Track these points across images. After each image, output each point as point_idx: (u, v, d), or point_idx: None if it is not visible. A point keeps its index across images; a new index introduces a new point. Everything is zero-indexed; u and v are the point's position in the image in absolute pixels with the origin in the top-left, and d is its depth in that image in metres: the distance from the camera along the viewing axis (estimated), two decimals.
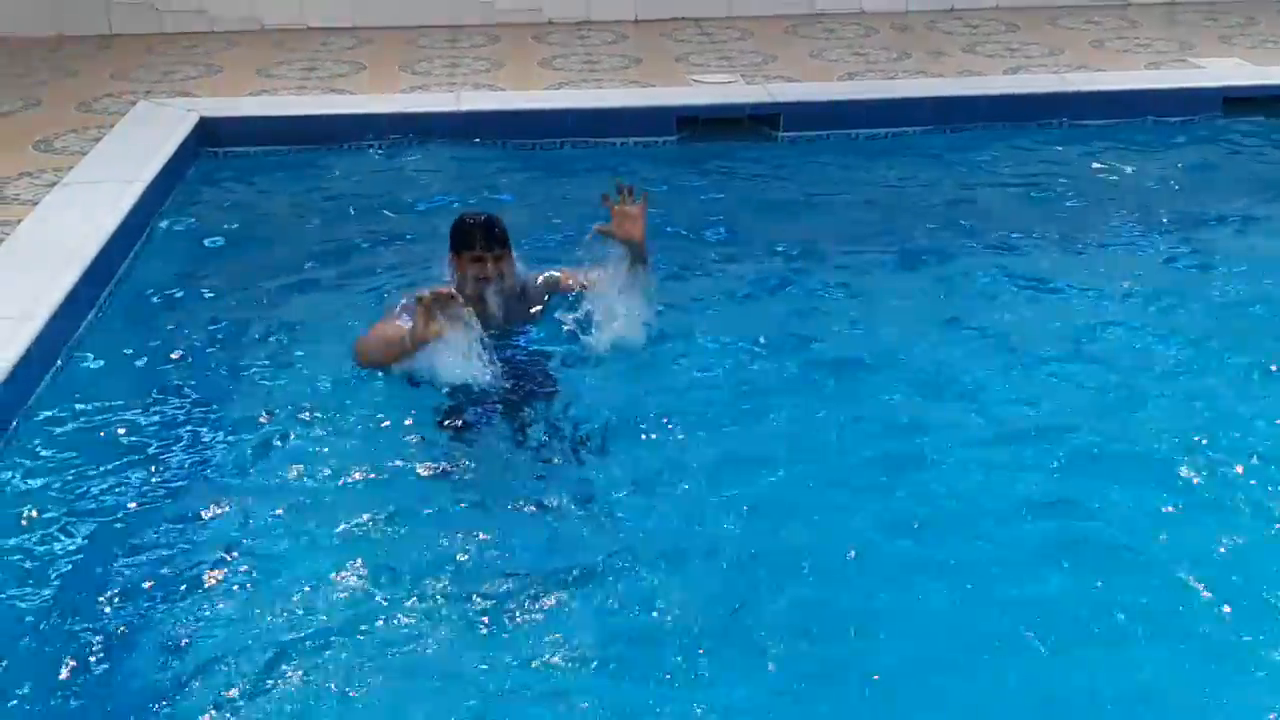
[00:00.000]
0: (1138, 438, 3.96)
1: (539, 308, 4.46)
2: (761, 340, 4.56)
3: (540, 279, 4.53)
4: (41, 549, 3.42)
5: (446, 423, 3.98)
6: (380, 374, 4.14)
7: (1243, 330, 4.66)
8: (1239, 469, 3.76)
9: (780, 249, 5.43)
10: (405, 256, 5.22)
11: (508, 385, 4.10)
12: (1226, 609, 3.19)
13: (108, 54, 8.30)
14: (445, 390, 4.06)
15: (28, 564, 3.36)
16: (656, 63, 7.95)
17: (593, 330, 4.32)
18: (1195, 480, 3.71)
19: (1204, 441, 3.90)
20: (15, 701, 2.91)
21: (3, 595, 3.25)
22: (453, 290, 3.98)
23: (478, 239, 4.20)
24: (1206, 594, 3.24)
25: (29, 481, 3.72)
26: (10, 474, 3.75)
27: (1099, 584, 3.29)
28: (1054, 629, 3.12)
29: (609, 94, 7.22)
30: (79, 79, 7.69)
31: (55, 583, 3.29)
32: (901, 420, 4.07)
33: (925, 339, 4.60)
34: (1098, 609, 3.20)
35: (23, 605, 3.22)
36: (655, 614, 3.18)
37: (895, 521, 3.55)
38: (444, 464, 3.79)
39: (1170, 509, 3.60)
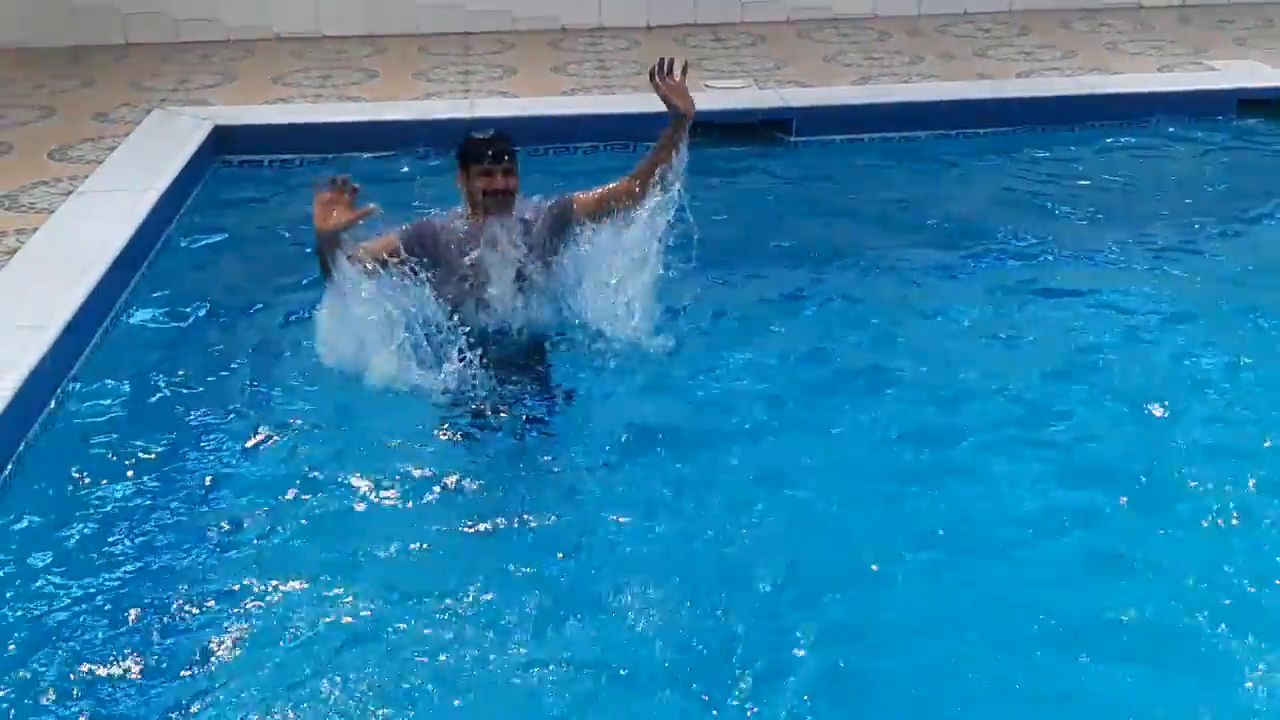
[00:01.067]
0: (1162, 445, 3.93)
1: (548, 243, 4.37)
2: (776, 348, 4.55)
3: (552, 206, 4.44)
4: (57, 559, 3.42)
5: (451, 435, 3.97)
6: (391, 385, 4.15)
7: (1259, 334, 4.64)
8: (1267, 477, 3.72)
9: (793, 254, 5.43)
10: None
11: (507, 390, 4.10)
12: (1251, 622, 3.15)
13: (123, 63, 8.35)
14: (440, 395, 4.07)
15: (42, 576, 3.36)
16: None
17: (604, 333, 4.34)
18: (1223, 490, 3.66)
19: (1230, 449, 3.87)
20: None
21: (18, 605, 3.26)
22: (348, 177, 3.99)
23: (485, 151, 4.22)
24: (1231, 607, 3.20)
25: (45, 488, 3.73)
26: (27, 480, 3.77)
27: (1124, 595, 3.25)
28: (1081, 640, 3.09)
29: (622, 100, 7.23)
30: (94, 88, 7.74)
31: (71, 595, 3.29)
32: (919, 429, 4.04)
33: (942, 345, 4.59)
34: (1123, 619, 3.16)
35: (35, 615, 3.22)
36: (673, 627, 3.16)
37: (917, 533, 3.51)
38: (451, 477, 3.77)
39: (1196, 519, 3.55)
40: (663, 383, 4.29)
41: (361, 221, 3.98)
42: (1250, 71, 7.73)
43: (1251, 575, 3.32)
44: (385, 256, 4.10)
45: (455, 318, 4.19)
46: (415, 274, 4.15)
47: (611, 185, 4.46)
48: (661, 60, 4.39)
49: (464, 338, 4.12)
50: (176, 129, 6.65)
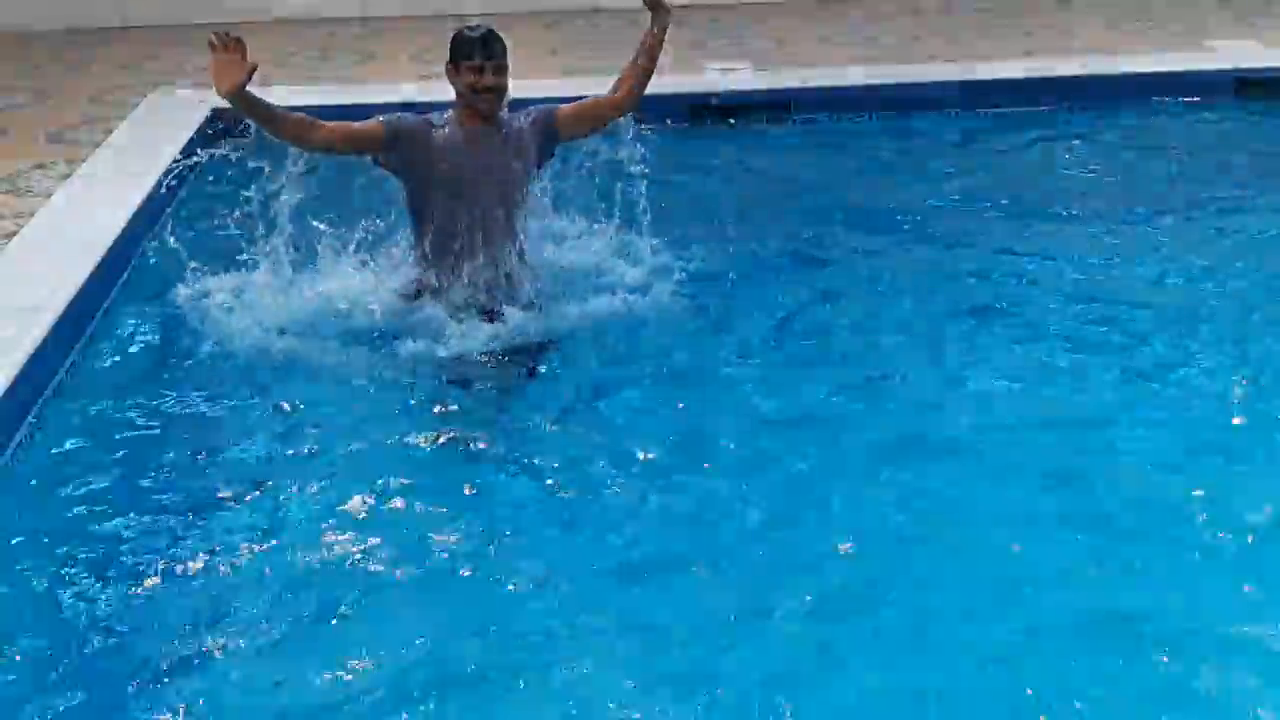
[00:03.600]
0: (1163, 429, 3.90)
1: (532, 152, 4.38)
2: (772, 330, 4.55)
3: (535, 116, 4.42)
4: (58, 541, 3.41)
5: (440, 406, 3.98)
6: (388, 371, 4.18)
7: (1256, 318, 4.63)
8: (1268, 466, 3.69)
9: (792, 237, 5.41)
10: None
11: (480, 348, 4.15)
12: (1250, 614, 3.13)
13: (120, 46, 8.34)
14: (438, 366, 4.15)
15: (41, 562, 3.35)
16: (668, 50, 7.91)
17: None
18: (1226, 474, 3.63)
19: (1232, 440, 3.82)
20: None
21: (16, 590, 3.26)
22: (227, 32, 4.00)
23: (476, 47, 4.21)
24: (1237, 593, 3.18)
25: (46, 473, 3.73)
26: (28, 464, 3.77)
27: (1125, 582, 3.22)
28: (1080, 631, 3.06)
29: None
30: (91, 71, 7.72)
31: (74, 579, 3.27)
32: (915, 412, 4.02)
33: (938, 329, 4.57)
34: (1125, 608, 3.13)
35: (33, 603, 3.21)
36: (663, 609, 3.15)
37: (912, 519, 3.48)
38: (445, 456, 3.78)
39: (1202, 505, 3.50)
40: (656, 362, 4.29)
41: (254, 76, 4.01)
42: (1248, 52, 7.71)
43: (1253, 568, 3.29)
44: (362, 131, 4.23)
45: (430, 236, 4.29)
46: (385, 165, 4.30)
47: (595, 98, 4.49)
48: None
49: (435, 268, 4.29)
50: (174, 111, 6.64)
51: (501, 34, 4.32)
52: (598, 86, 6.68)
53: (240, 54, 3.95)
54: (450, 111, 4.35)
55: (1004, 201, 5.85)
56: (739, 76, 7.36)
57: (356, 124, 4.28)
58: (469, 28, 4.31)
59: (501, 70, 4.23)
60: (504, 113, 4.36)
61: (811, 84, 7.15)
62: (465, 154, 4.27)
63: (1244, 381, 4.15)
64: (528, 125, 4.40)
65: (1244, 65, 7.39)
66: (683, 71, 7.39)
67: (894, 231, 5.48)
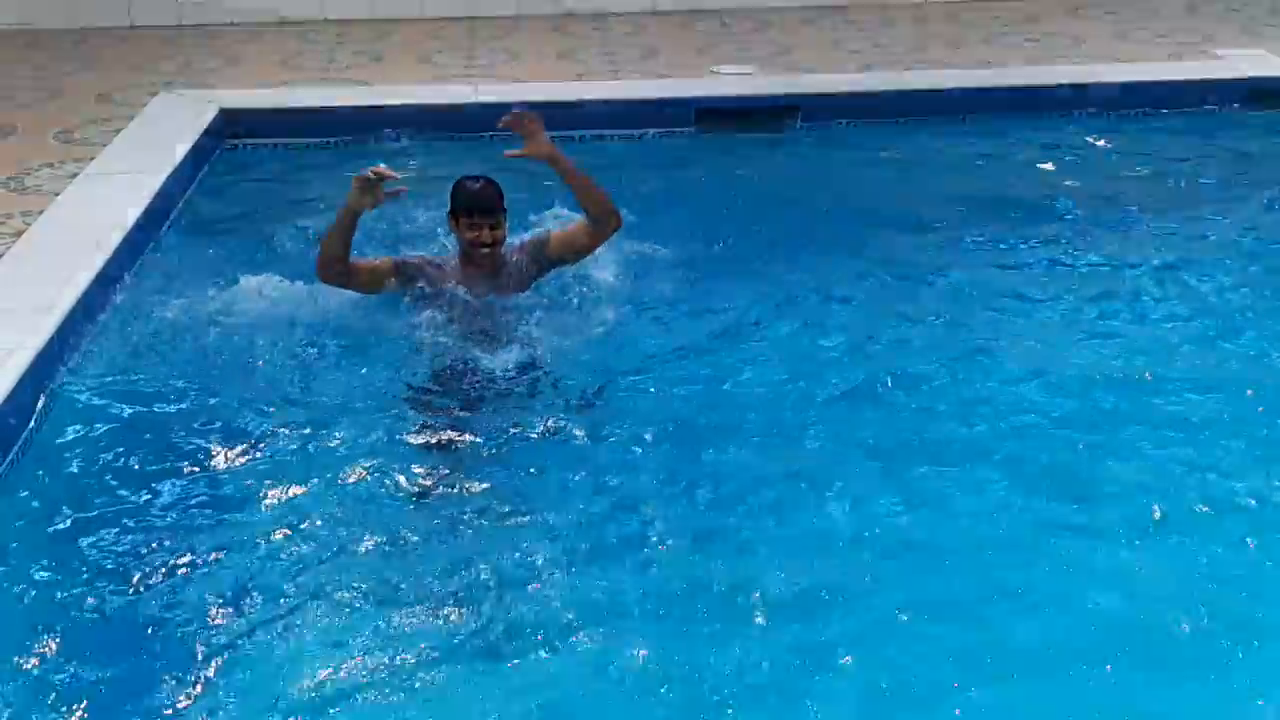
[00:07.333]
0: (1161, 444, 3.88)
1: (529, 281, 4.45)
2: (776, 334, 4.55)
3: (530, 245, 4.49)
4: (61, 541, 3.42)
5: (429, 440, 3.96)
6: (395, 374, 4.18)
7: (1263, 324, 4.62)
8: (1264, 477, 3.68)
9: (797, 241, 5.41)
10: (423, 248, 5.22)
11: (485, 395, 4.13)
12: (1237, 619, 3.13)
13: (128, 46, 8.35)
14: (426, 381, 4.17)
15: (45, 559, 3.36)
16: (675, 54, 7.93)
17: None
18: (1230, 487, 3.63)
19: (1231, 451, 3.81)
20: None
21: (20, 589, 3.26)
22: (389, 172, 4.13)
23: (474, 208, 4.28)
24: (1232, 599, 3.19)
25: (51, 471, 3.73)
26: (33, 463, 3.77)
27: (1113, 591, 3.22)
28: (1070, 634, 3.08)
29: (627, 85, 7.21)
30: (99, 71, 7.73)
31: (74, 578, 3.28)
32: (920, 419, 4.02)
33: (940, 335, 4.57)
34: (1111, 615, 3.14)
35: (37, 598, 3.22)
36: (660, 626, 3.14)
37: (916, 530, 3.48)
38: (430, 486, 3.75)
39: (1203, 524, 3.50)
40: (664, 370, 4.29)
41: (395, 199, 4.20)
42: (1260, 61, 7.71)
43: (1247, 578, 3.30)
44: (375, 268, 4.38)
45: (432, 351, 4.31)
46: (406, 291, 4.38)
47: (584, 227, 4.46)
48: (512, 113, 4.36)
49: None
50: (182, 112, 6.64)
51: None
52: (606, 90, 6.70)
53: (379, 189, 4.12)
54: (455, 255, 4.44)
55: (1010, 208, 5.84)
56: (746, 81, 7.36)
57: (373, 261, 4.43)
58: (470, 179, 4.35)
59: (498, 226, 4.32)
60: (502, 249, 4.40)
61: (817, 89, 7.15)
62: (468, 298, 4.37)
63: (1262, 401, 4.12)
64: (524, 257, 4.47)
65: (1256, 74, 7.38)
66: (689, 74, 7.39)
67: (901, 237, 5.48)
